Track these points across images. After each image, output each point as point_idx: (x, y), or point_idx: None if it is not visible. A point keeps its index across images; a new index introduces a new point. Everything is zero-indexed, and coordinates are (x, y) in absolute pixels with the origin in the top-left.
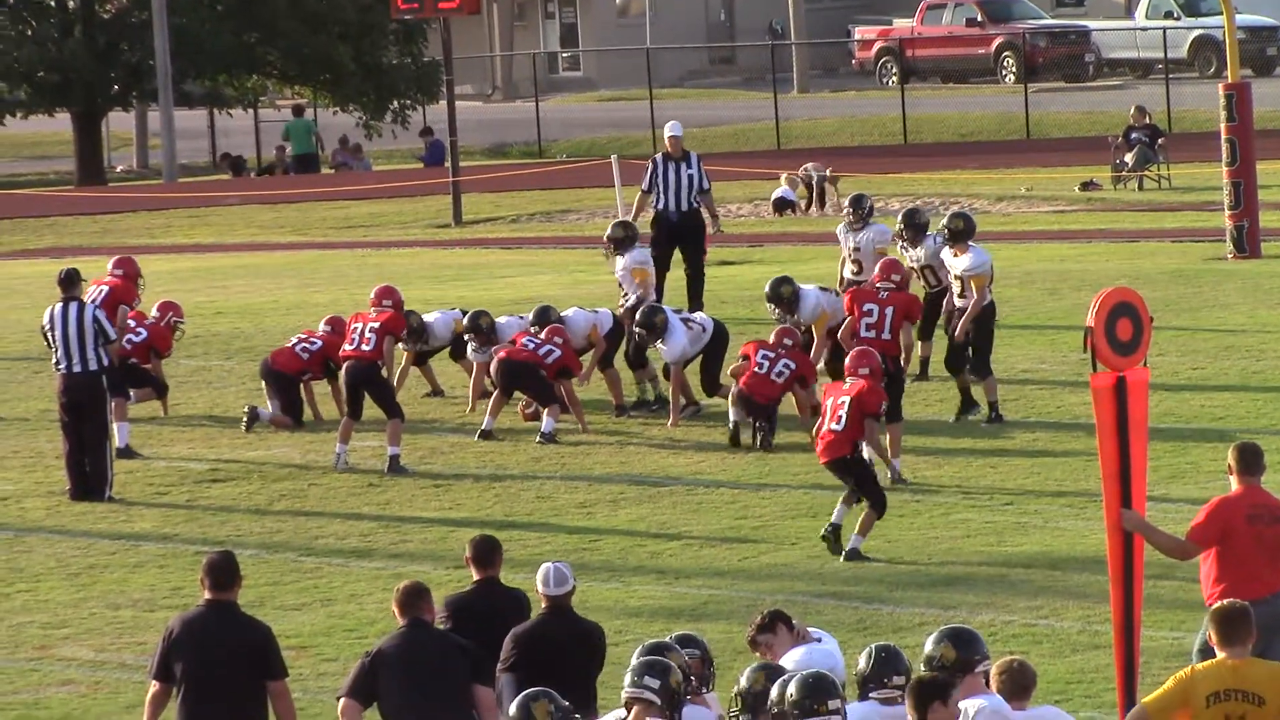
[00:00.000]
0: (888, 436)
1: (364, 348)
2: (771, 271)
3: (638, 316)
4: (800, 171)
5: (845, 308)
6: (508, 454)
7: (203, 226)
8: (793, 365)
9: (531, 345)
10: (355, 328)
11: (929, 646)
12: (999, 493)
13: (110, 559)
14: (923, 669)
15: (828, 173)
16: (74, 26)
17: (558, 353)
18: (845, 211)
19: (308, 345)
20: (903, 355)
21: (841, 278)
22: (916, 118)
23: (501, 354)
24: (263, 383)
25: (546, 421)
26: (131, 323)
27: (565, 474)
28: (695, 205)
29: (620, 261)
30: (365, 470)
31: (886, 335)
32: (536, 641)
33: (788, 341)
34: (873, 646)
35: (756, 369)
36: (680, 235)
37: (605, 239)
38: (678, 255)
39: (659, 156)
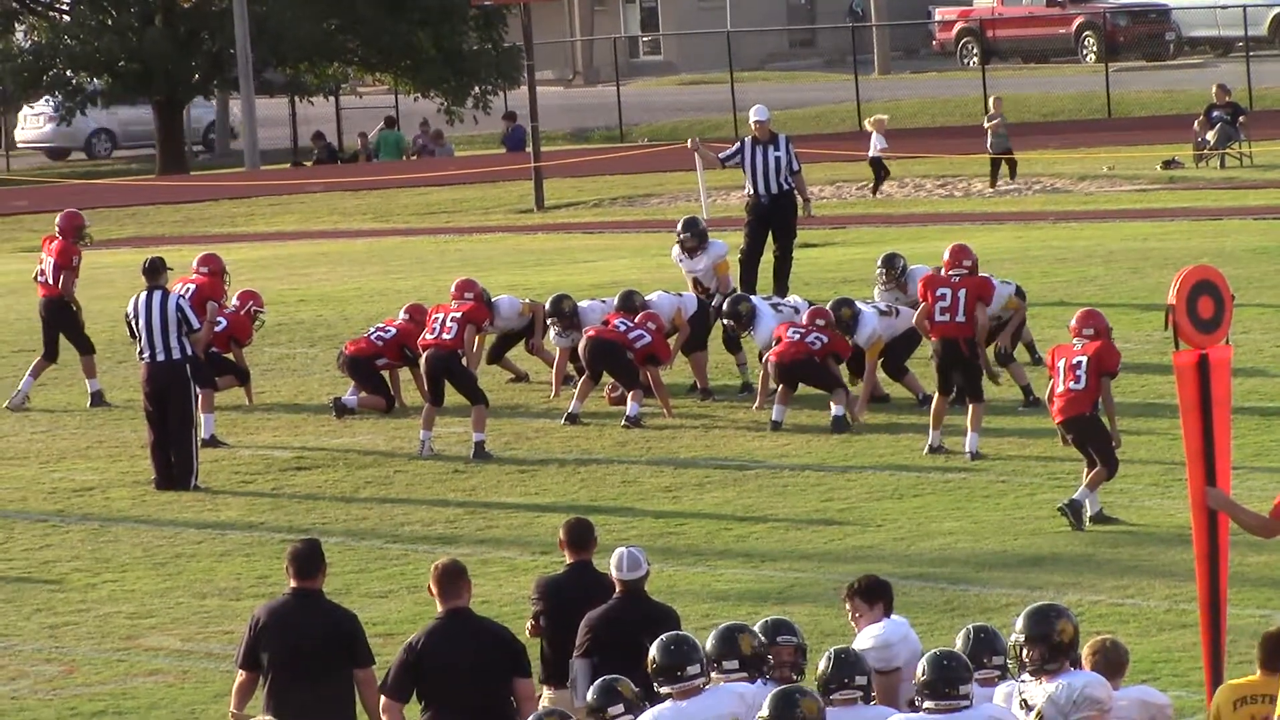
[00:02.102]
0: (970, 413)
1: (445, 336)
2: (854, 254)
3: (724, 307)
4: (992, 123)
5: (919, 295)
6: (593, 438)
7: (285, 214)
8: (825, 339)
9: (623, 327)
10: (436, 318)
11: (1034, 626)
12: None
13: (196, 548)
14: (1025, 649)
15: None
16: (154, 16)
17: (648, 338)
18: (879, 273)
19: (382, 334)
20: (979, 336)
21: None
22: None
23: (590, 332)
24: (344, 374)
25: (631, 405)
26: None
27: (650, 458)
28: (786, 188)
29: (702, 261)
30: (450, 457)
31: (961, 318)
32: (611, 626)
33: (820, 321)
34: (970, 627)
35: (789, 340)
36: (772, 218)
37: (681, 244)
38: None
39: (746, 140)
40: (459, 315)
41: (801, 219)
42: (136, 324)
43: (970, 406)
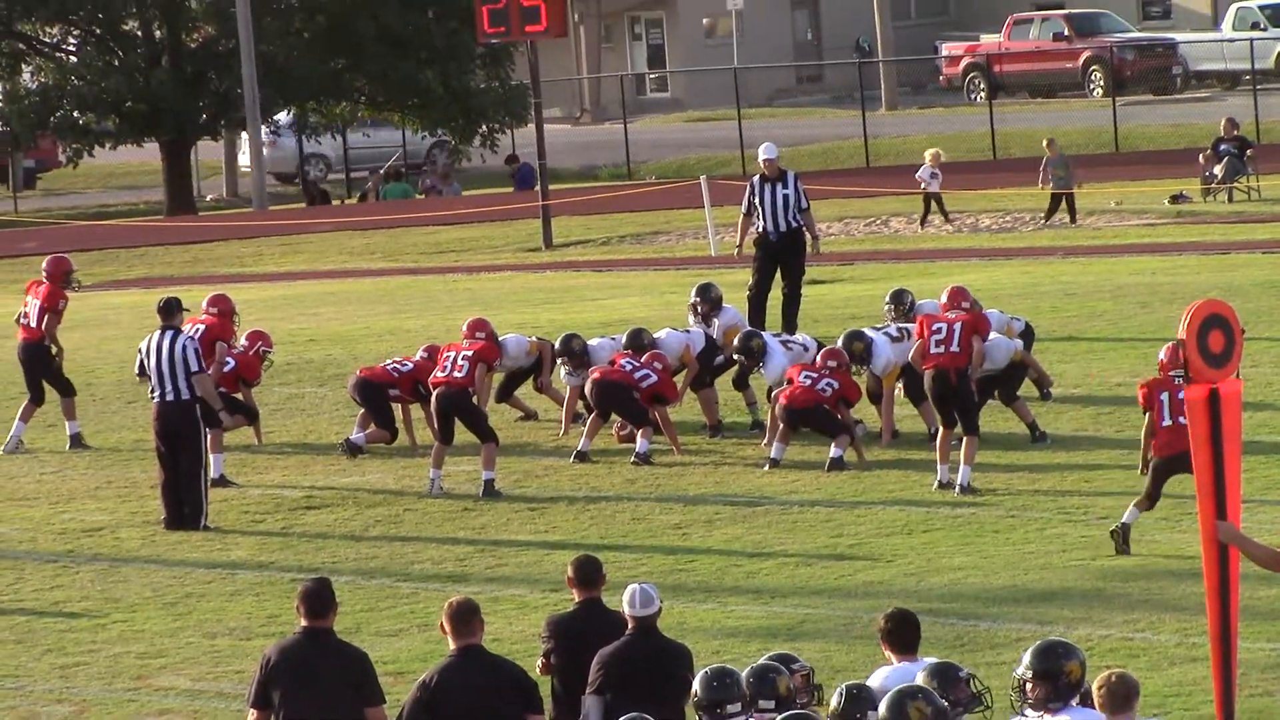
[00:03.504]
0: (964, 447)
1: (456, 375)
2: (862, 291)
3: (735, 342)
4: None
5: (915, 333)
6: (602, 476)
7: (293, 254)
8: (836, 384)
9: (629, 367)
10: (448, 356)
11: (1040, 662)
12: (1094, 507)
13: (206, 587)
14: (1029, 686)
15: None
16: (161, 56)
17: (654, 378)
18: (887, 309)
19: (399, 366)
20: (972, 368)
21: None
22: (1005, 133)
23: (596, 374)
24: (354, 403)
25: (641, 443)
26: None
27: (660, 495)
28: (795, 225)
29: (715, 327)
30: (460, 495)
31: (955, 348)
32: (623, 663)
33: (832, 363)
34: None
35: (801, 385)
36: (781, 255)
37: (694, 309)
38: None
39: (756, 179)
40: (470, 354)
41: (810, 256)
42: (149, 363)
43: (964, 440)
